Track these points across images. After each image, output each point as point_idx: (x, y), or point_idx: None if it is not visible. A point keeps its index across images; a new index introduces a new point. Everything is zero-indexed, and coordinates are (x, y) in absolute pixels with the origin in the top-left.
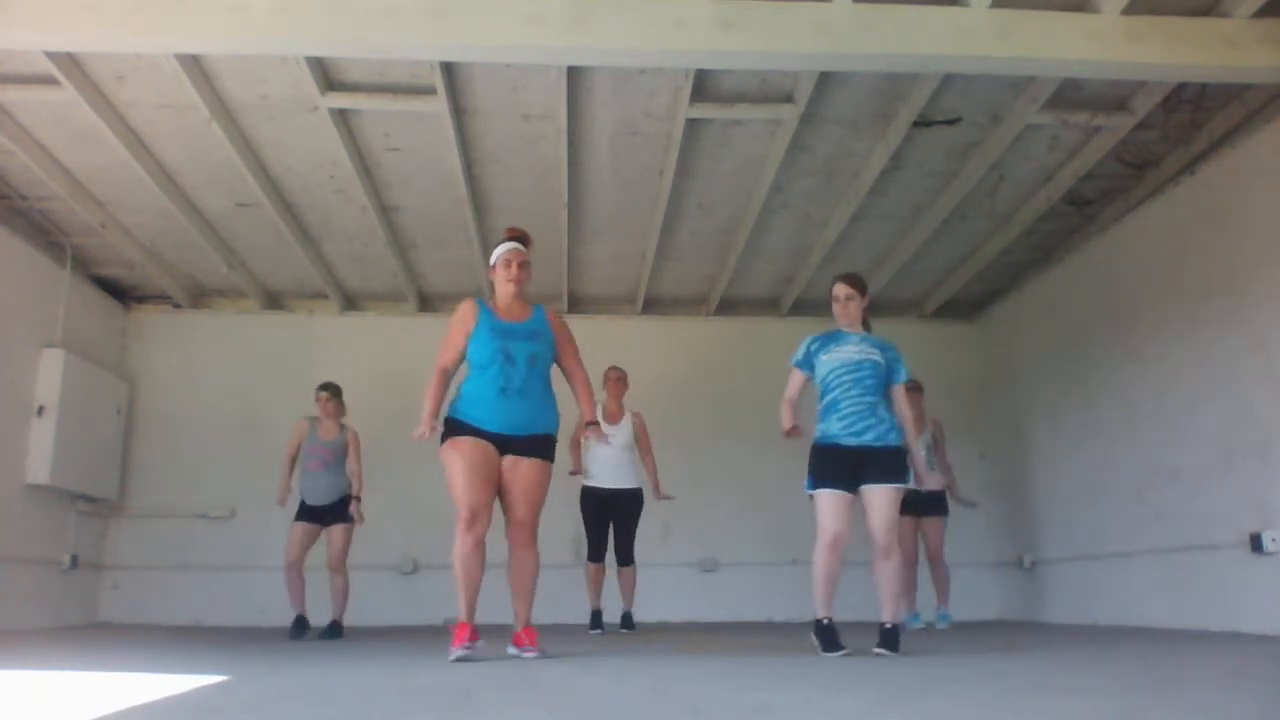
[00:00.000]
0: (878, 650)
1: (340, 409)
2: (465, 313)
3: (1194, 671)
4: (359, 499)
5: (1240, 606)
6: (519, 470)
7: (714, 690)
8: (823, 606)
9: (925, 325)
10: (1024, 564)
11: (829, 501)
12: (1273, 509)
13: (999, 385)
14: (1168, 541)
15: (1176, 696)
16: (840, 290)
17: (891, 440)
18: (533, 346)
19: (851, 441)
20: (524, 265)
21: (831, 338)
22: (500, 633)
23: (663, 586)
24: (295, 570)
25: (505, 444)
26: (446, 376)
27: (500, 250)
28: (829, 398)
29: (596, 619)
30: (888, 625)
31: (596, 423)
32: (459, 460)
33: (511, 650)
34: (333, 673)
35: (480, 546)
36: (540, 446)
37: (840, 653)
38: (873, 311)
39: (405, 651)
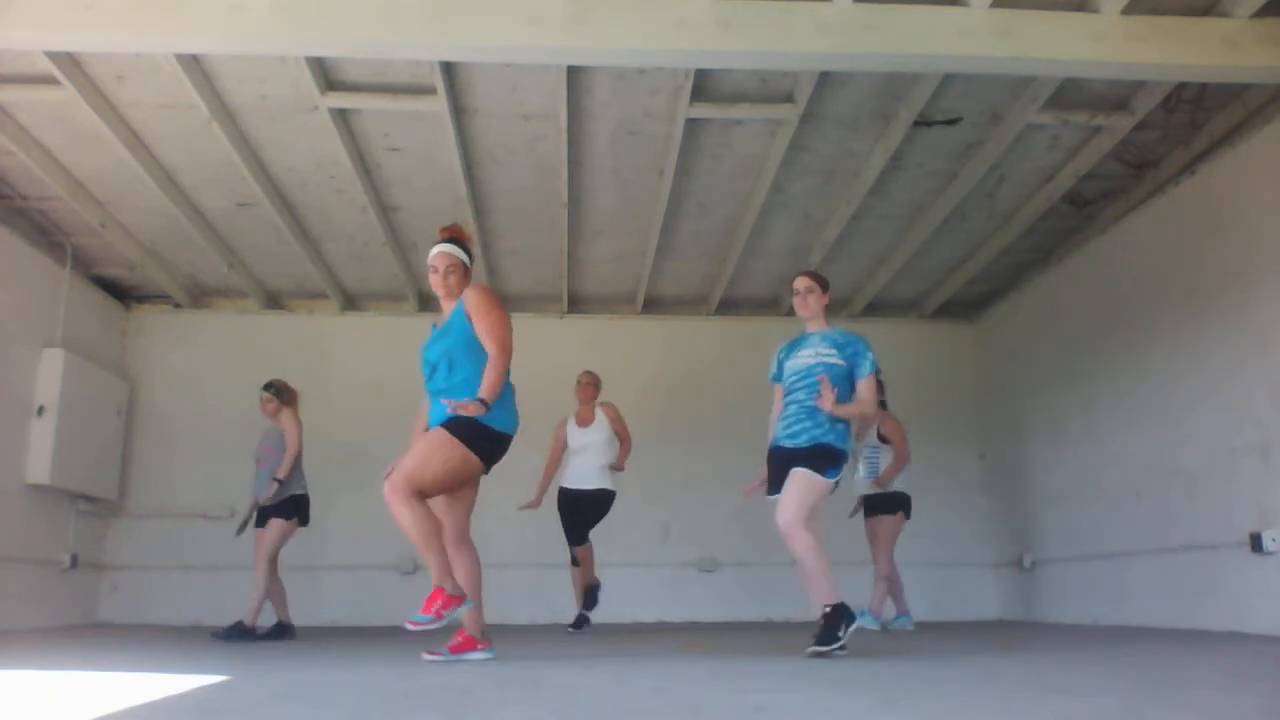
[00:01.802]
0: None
1: (279, 409)
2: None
3: (1194, 671)
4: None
5: (1240, 606)
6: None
7: (714, 690)
8: (824, 597)
9: (925, 325)
10: (1024, 564)
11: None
12: (1273, 509)
13: (999, 385)
14: (1168, 541)
15: (1176, 696)
16: (800, 284)
17: (822, 438)
18: (443, 344)
19: (789, 444)
20: (450, 271)
21: (796, 343)
22: (499, 633)
23: (663, 586)
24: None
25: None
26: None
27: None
28: (785, 401)
29: (580, 620)
30: (825, 608)
31: (481, 402)
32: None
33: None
34: (333, 673)
35: (454, 549)
36: (445, 423)
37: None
38: (873, 311)
39: (405, 651)
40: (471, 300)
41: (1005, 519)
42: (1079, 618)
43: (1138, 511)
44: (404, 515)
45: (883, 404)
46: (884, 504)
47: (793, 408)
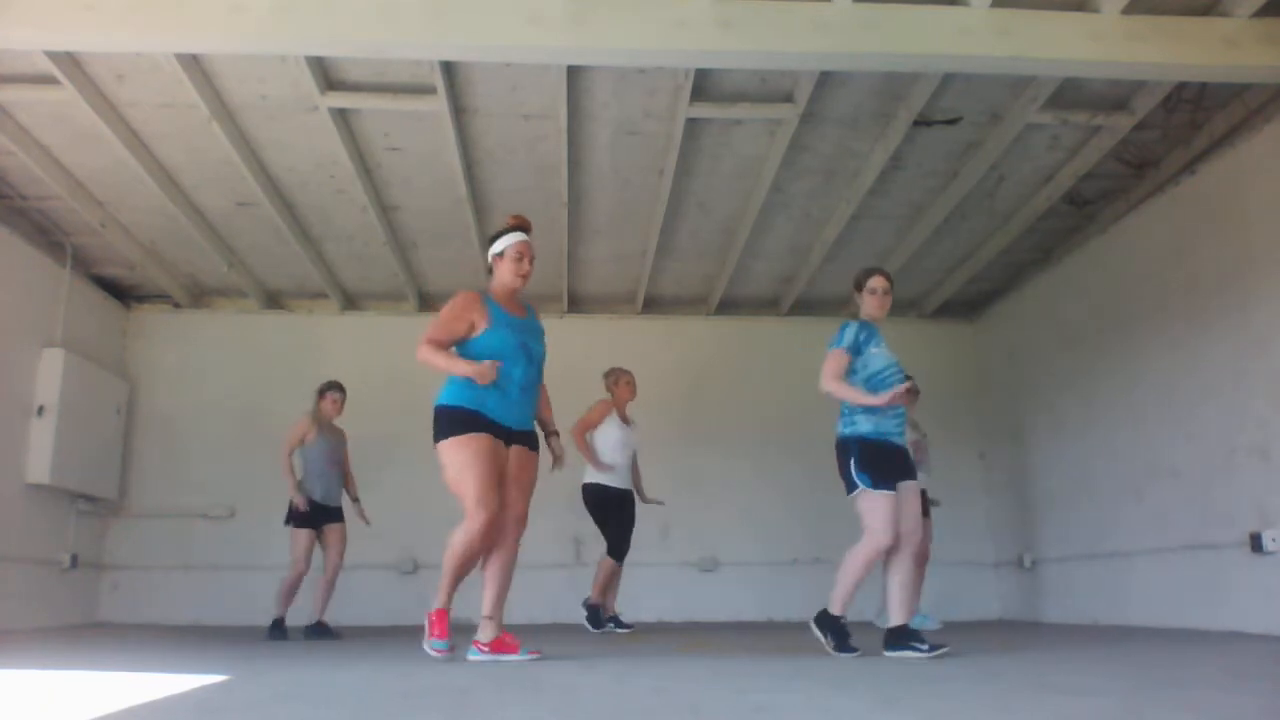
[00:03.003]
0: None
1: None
2: (471, 307)
3: (1194, 671)
4: (359, 500)
5: (1240, 606)
6: (524, 463)
7: (714, 690)
8: (842, 606)
9: (925, 325)
10: (1024, 563)
11: (891, 504)
12: (1273, 509)
13: (999, 385)
14: (1168, 541)
15: (1177, 696)
16: (880, 283)
17: (905, 443)
18: (538, 347)
19: (899, 441)
20: (533, 260)
21: (873, 331)
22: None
23: (663, 586)
24: (303, 577)
25: (511, 437)
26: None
27: (510, 240)
28: (880, 390)
29: (616, 619)
30: (907, 625)
31: (556, 434)
32: (477, 457)
33: (502, 658)
34: (333, 673)
35: (502, 546)
36: (535, 441)
37: (854, 654)
38: None
39: (405, 651)
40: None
41: (1005, 519)
42: (1079, 617)
43: (1138, 511)
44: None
45: None
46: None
47: (899, 409)
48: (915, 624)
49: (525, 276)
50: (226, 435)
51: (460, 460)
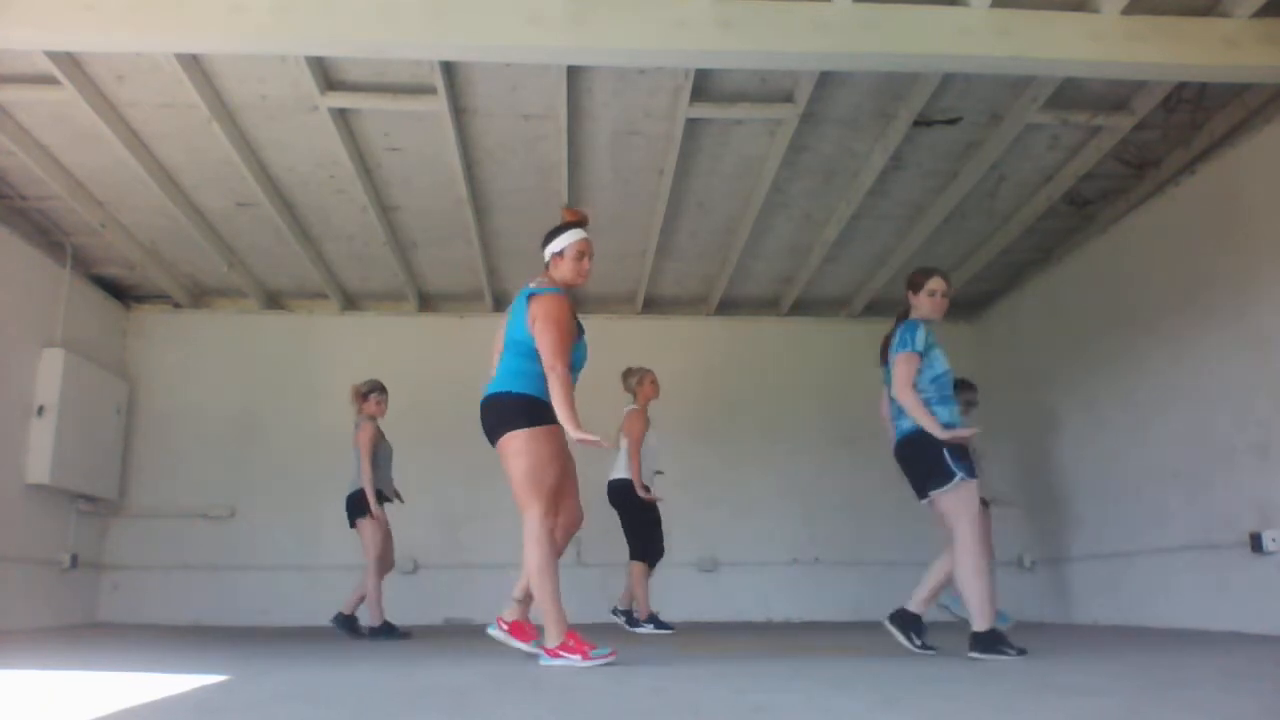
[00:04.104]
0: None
1: None
2: (573, 313)
3: (1194, 671)
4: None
5: (1240, 606)
6: (573, 469)
7: (714, 690)
8: (986, 617)
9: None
10: (1024, 563)
11: (977, 490)
12: (1273, 509)
13: (999, 385)
14: (1168, 541)
15: (1178, 696)
16: (940, 285)
17: None
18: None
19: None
20: (592, 257)
21: (932, 332)
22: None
23: (662, 586)
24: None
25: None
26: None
27: (572, 239)
28: (946, 392)
29: (660, 620)
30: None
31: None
32: (559, 456)
33: (513, 642)
34: (333, 673)
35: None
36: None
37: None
38: (873, 311)
39: (405, 651)
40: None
41: (1005, 519)
42: (1079, 617)
43: (1138, 511)
44: None
45: None
46: None
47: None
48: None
49: (586, 275)
50: (226, 435)
51: (546, 453)
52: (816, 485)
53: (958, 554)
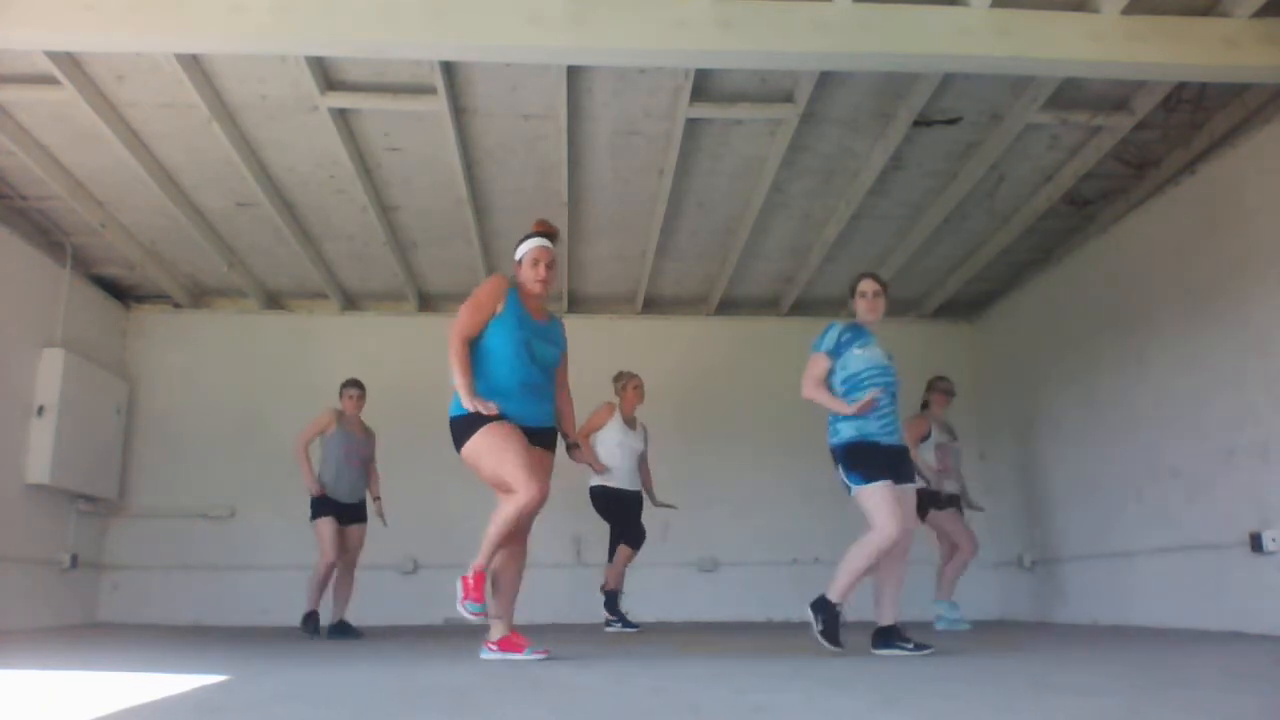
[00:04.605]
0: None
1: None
2: (497, 292)
3: (1194, 671)
4: (379, 499)
5: (1240, 606)
6: (540, 462)
7: (714, 690)
8: (842, 595)
9: (925, 325)
10: (1024, 563)
11: (889, 492)
12: (1273, 509)
13: (999, 385)
14: (1168, 541)
15: (1179, 697)
16: (869, 286)
17: (900, 442)
18: (554, 352)
19: (886, 442)
20: (552, 266)
21: (859, 332)
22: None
23: (663, 586)
24: (334, 567)
25: (535, 436)
26: (468, 347)
27: (529, 246)
28: (863, 391)
29: (628, 619)
30: (895, 625)
31: (578, 446)
32: (507, 438)
33: (510, 656)
34: (333, 673)
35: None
36: (553, 439)
37: (838, 650)
38: None
39: (405, 651)
40: (565, 336)
41: (1005, 518)
42: (1079, 617)
43: (1138, 511)
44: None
45: (924, 405)
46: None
47: (886, 409)
48: (942, 623)
49: (543, 283)
50: (226, 435)
51: (489, 444)
52: (816, 485)
53: (861, 540)
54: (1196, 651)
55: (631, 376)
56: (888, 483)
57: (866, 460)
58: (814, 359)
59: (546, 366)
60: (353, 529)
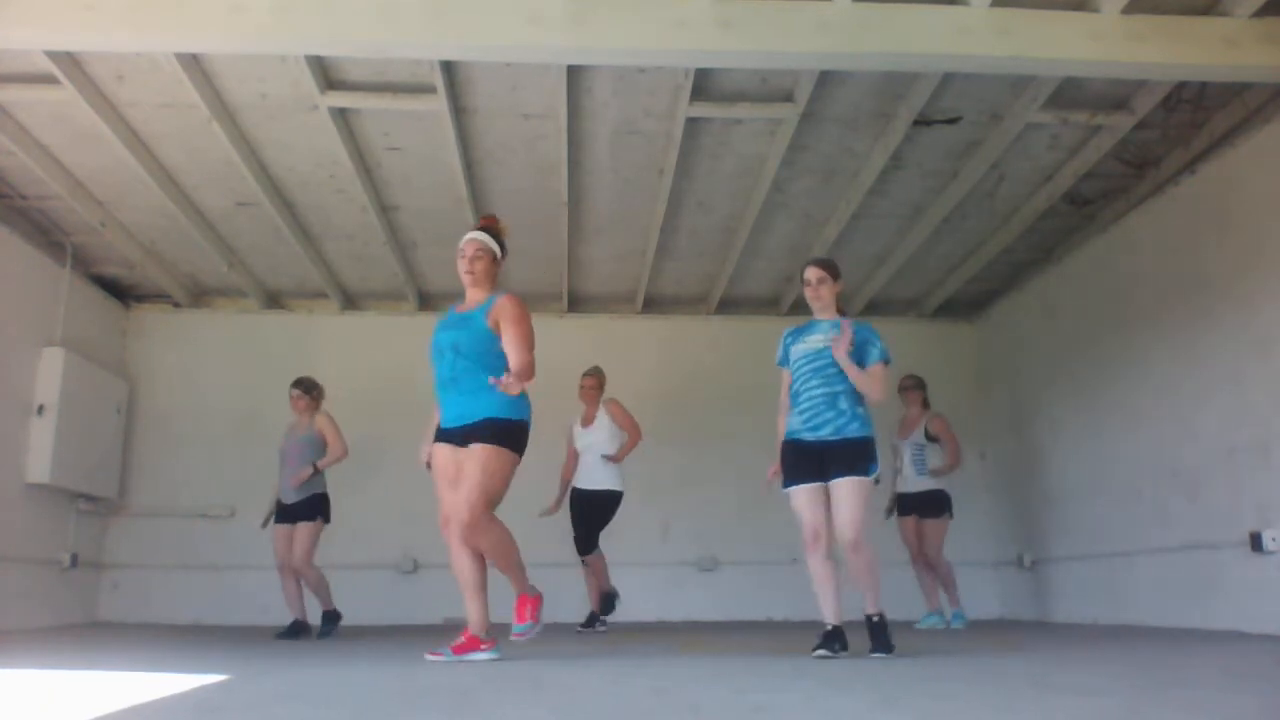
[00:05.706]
0: (873, 654)
1: (313, 404)
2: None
3: (1194, 671)
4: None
5: (1240, 606)
6: (456, 462)
7: (714, 690)
8: (826, 613)
9: (925, 325)
10: (1024, 563)
11: (799, 497)
12: (1273, 509)
13: (999, 385)
14: (1168, 541)
15: (1179, 696)
16: (811, 274)
17: (850, 432)
18: (454, 334)
19: (810, 436)
20: (474, 257)
21: (804, 329)
22: (499, 633)
23: (662, 586)
24: (284, 572)
25: (451, 437)
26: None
27: (462, 240)
28: (794, 389)
29: (592, 618)
30: (873, 617)
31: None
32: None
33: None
34: (333, 673)
35: (459, 548)
36: (476, 432)
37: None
38: (873, 311)
39: (405, 651)
40: (506, 309)
41: (1005, 518)
42: (1079, 617)
43: (1138, 510)
44: (488, 541)
45: (927, 403)
46: (929, 505)
47: (809, 397)
48: (924, 624)
49: (468, 273)
50: (226, 435)
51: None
52: None
53: None
54: (1196, 651)
55: (584, 375)
56: (799, 487)
57: (785, 462)
58: (779, 371)
59: (454, 357)
60: (282, 528)
